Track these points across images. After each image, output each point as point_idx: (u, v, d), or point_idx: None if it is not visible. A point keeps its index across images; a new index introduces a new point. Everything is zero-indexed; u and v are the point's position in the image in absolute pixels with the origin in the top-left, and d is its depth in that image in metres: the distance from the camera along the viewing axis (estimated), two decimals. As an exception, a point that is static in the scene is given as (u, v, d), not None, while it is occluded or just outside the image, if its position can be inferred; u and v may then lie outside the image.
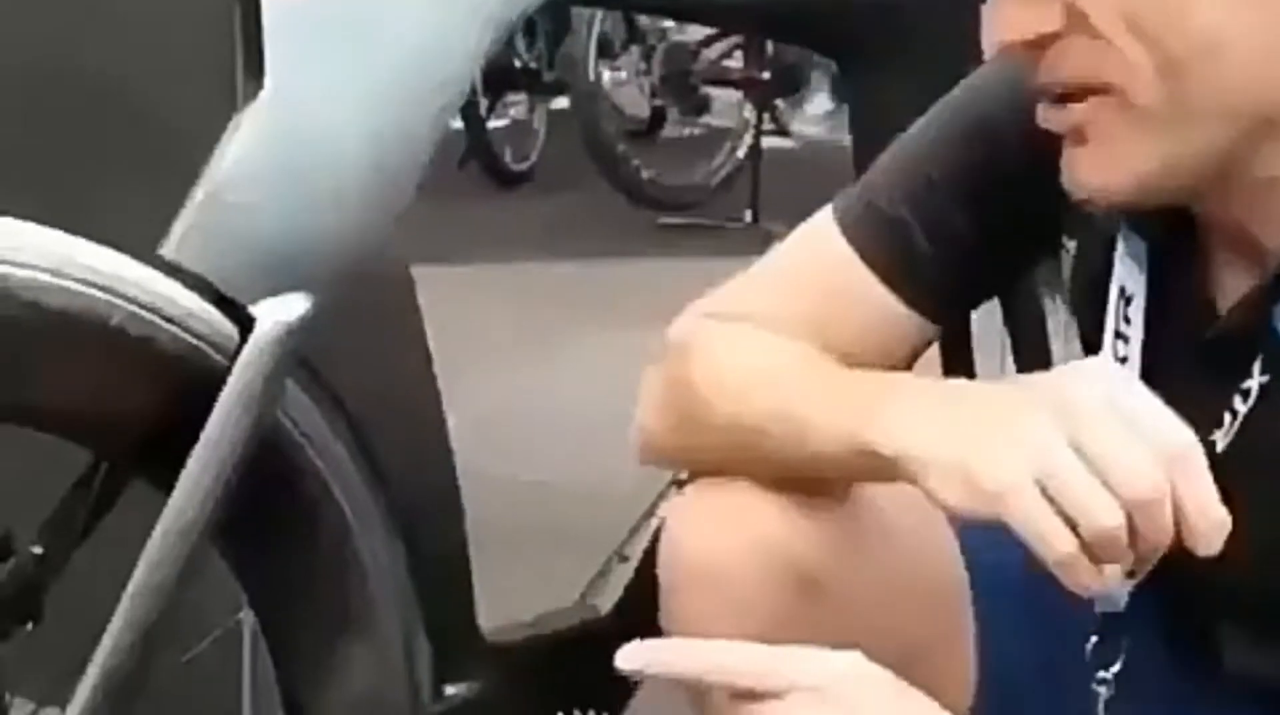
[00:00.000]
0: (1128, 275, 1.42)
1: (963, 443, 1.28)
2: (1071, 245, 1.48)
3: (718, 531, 1.43)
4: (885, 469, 1.34)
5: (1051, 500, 1.22)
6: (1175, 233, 1.40)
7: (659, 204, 6.34)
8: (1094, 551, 1.22)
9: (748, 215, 6.39)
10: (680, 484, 1.78)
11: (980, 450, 1.26)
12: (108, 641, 1.41)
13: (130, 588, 1.42)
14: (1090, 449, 1.23)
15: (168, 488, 1.44)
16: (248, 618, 1.86)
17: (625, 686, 1.79)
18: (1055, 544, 1.22)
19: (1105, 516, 1.22)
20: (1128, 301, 1.41)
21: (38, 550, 1.47)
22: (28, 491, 1.51)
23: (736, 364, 1.45)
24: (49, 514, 1.49)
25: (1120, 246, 1.42)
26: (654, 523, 1.84)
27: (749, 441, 1.42)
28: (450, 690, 1.66)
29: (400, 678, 1.64)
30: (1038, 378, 1.32)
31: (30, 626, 1.50)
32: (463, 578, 1.69)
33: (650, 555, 1.82)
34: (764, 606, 1.42)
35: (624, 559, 1.85)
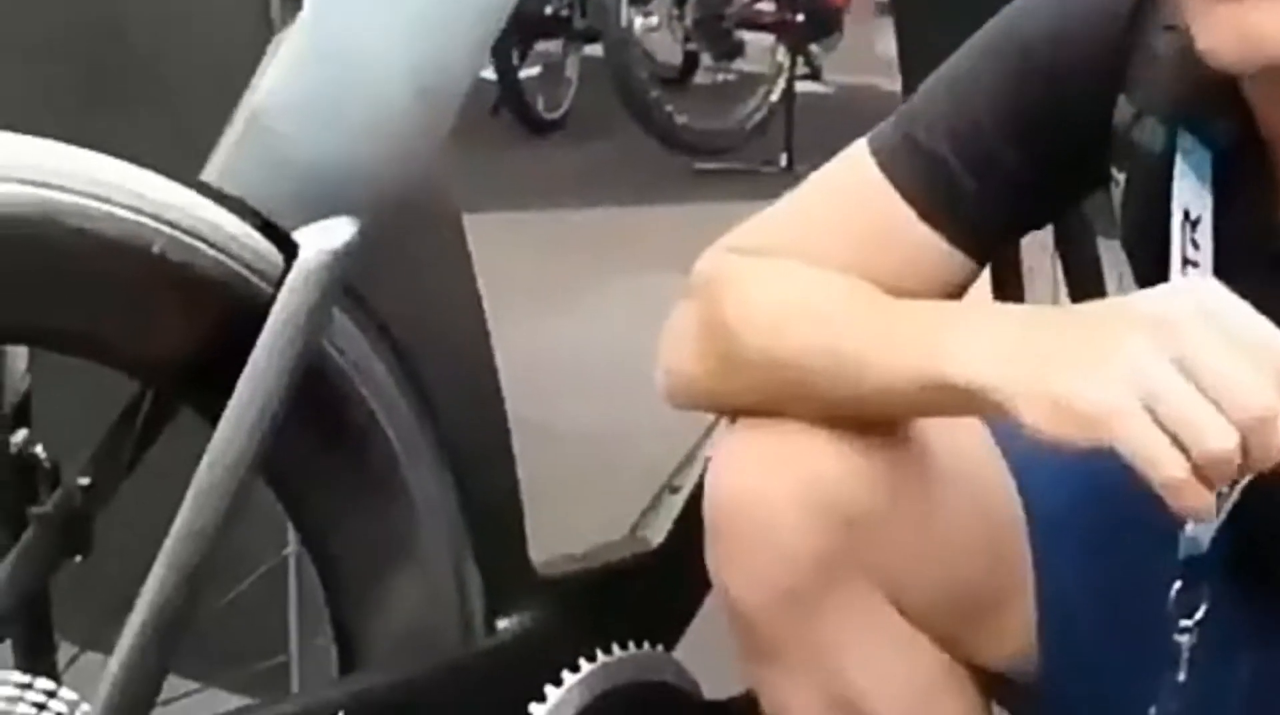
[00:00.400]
0: (1191, 196, 1.37)
1: (1055, 367, 1.24)
2: (1121, 177, 1.43)
3: (762, 473, 1.41)
4: (958, 402, 1.31)
5: (1159, 423, 1.19)
6: (1241, 148, 1.36)
7: (692, 150, 6.30)
8: (1202, 475, 1.19)
9: (782, 160, 6.35)
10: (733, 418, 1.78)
11: (1077, 374, 1.23)
12: (155, 575, 1.38)
13: (178, 520, 1.39)
14: (1197, 368, 1.19)
15: (215, 418, 1.42)
16: (294, 553, 1.84)
17: (679, 619, 1.77)
18: (1167, 468, 1.19)
19: (1220, 439, 1.18)
20: (1193, 225, 1.37)
21: (85, 481, 1.45)
22: (75, 423, 1.49)
23: (776, 299, 1.41)
24: (96, 445, 1.47)
25: (1179, 166, 1.38)
26: (704, 454, 1.81)
27: (792, 380, 1.38)
28: (502, 624, 1.64)
29: (451, 609, 1.61)
30: (1124, 298, 1.29)
31: (78, 559, 1.49)
32: (513, 510, 1.66)
33: (701, 487, 1.82)
34: (812, 549, 1.40)
35: (674, 490, 1.82)
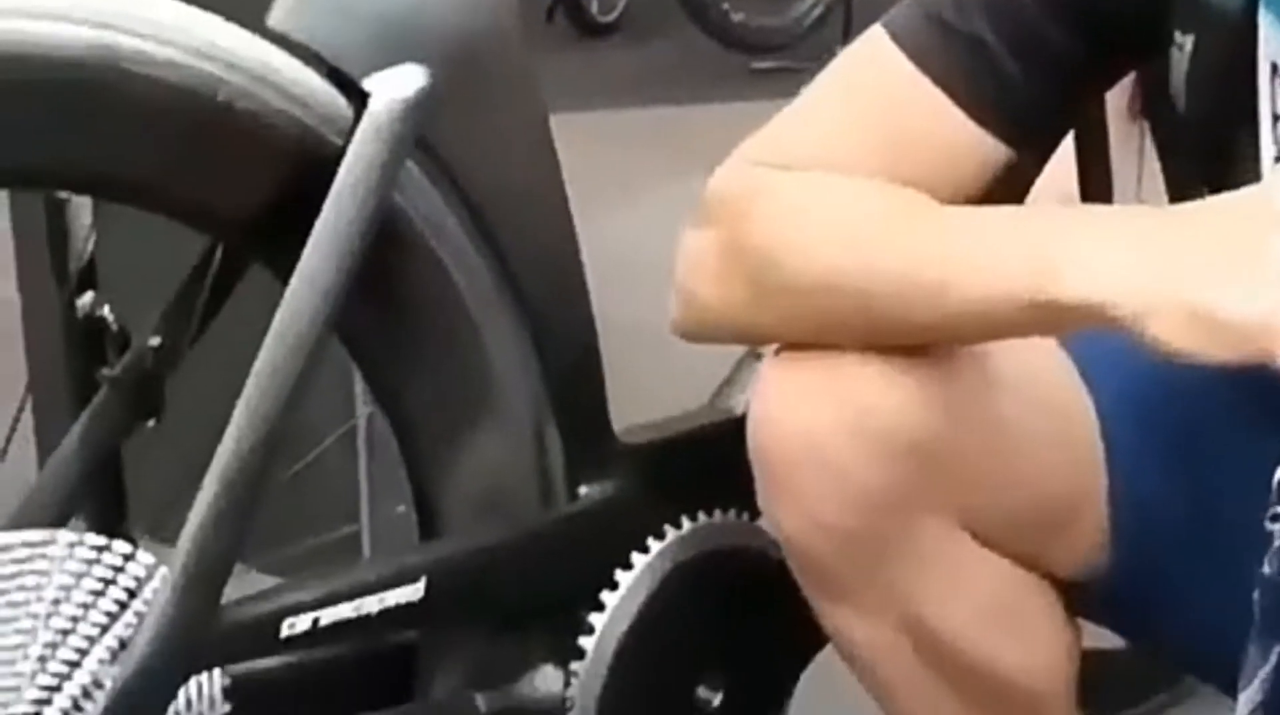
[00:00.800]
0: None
1: (1189, 275, 1.14)
2: (1187, 41, 1.32)
3: (812, 407, 1.33)
4: (1067, 320, 1.21)
5: None
6: None
7: (749, 47, 6.21)
8: None
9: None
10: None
11: (1218, 281, 1.13)
12: (230, 438, 1.34)
13: (250, 381, 1.34)
14: None
15: (287, 275, 1.37)
16: (363, 420, 1.79)
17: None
18: None
19: None
20: None
21: (155, 342, 1.41)
22: (143, 285, 1.45)
23: (819, 216, 1.30)
24: (165, 305, 1.43)
25: (1264, 16, 1.28)
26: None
27: (843, 308, 1.28)
28: (584, 490, 1.59)
29: (532, 475, 1.56)
30: (1252, 191, 1.19)
31: (150, 423, 1.44)
32: (594, 375, 1.60)
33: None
34: (871, 479, 1.32)
35: (757, 356, 1.77)
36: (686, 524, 1.63)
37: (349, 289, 1.37)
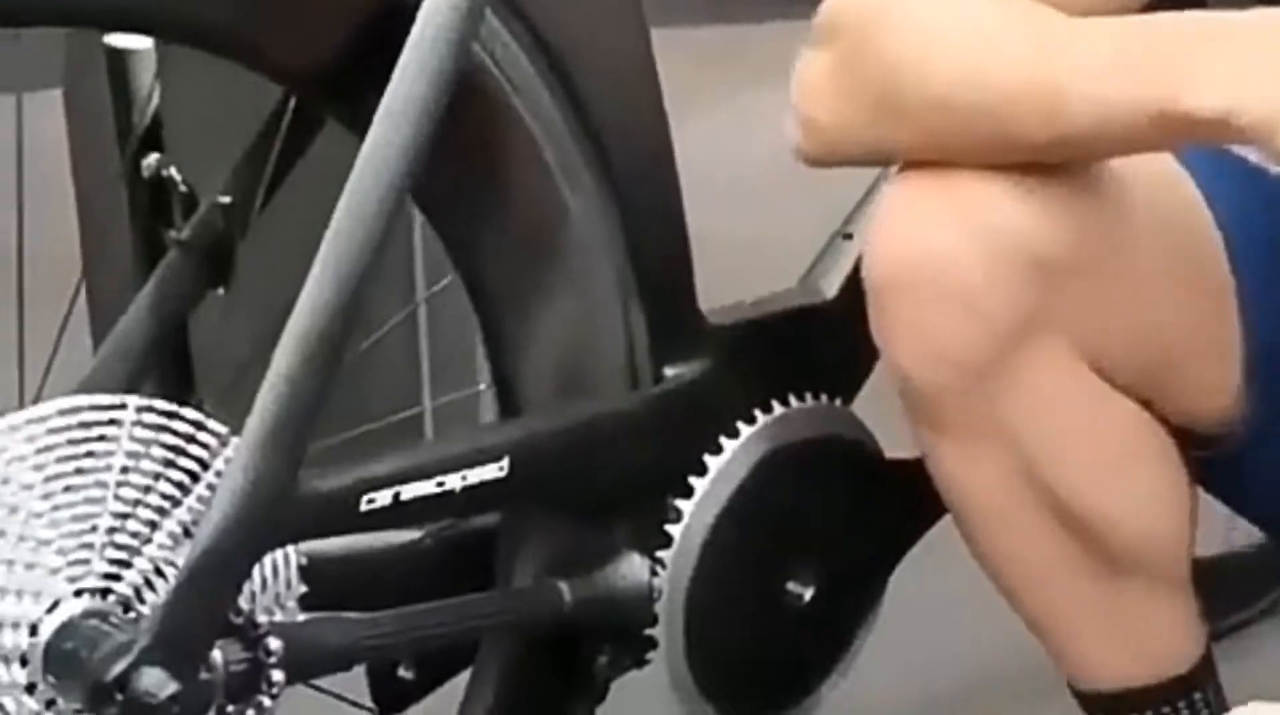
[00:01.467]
0: None
1: None
2: None
3: (934, 225, 1.28)
4: (1198, 133, 1.17)
5: None
6: None
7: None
8: None
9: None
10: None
11: None
12: (305, 305, 1.26)
13: (327, 244, 1.27)
14: None
15: (362, 132, 1.29)
16: (423, 304, 1.71)
17: (856, 373, 1.64)
18: None
19: None
20: None
21: (226, 200, 1.33)
22: (210, 146, 1.37)
23: (946, 29, 1.26)
24: (235, 163, 1.35)
25: None
26: (875, 199, 1.68)
27: (971, 122, 1.24)
28: (670, 371, 1.51)
29: (617, 353, 1.49)
30: None
31: (220, 291, 1.37)
32: (680, 251, 1.52)
33: None
34: (995, 300, 1.27)
35: (847, 237, 1.69)
36: (777, 408, 1.56)
37: (428, 147, 1.29)
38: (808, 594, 1.59)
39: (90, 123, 1.54)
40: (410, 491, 1.30)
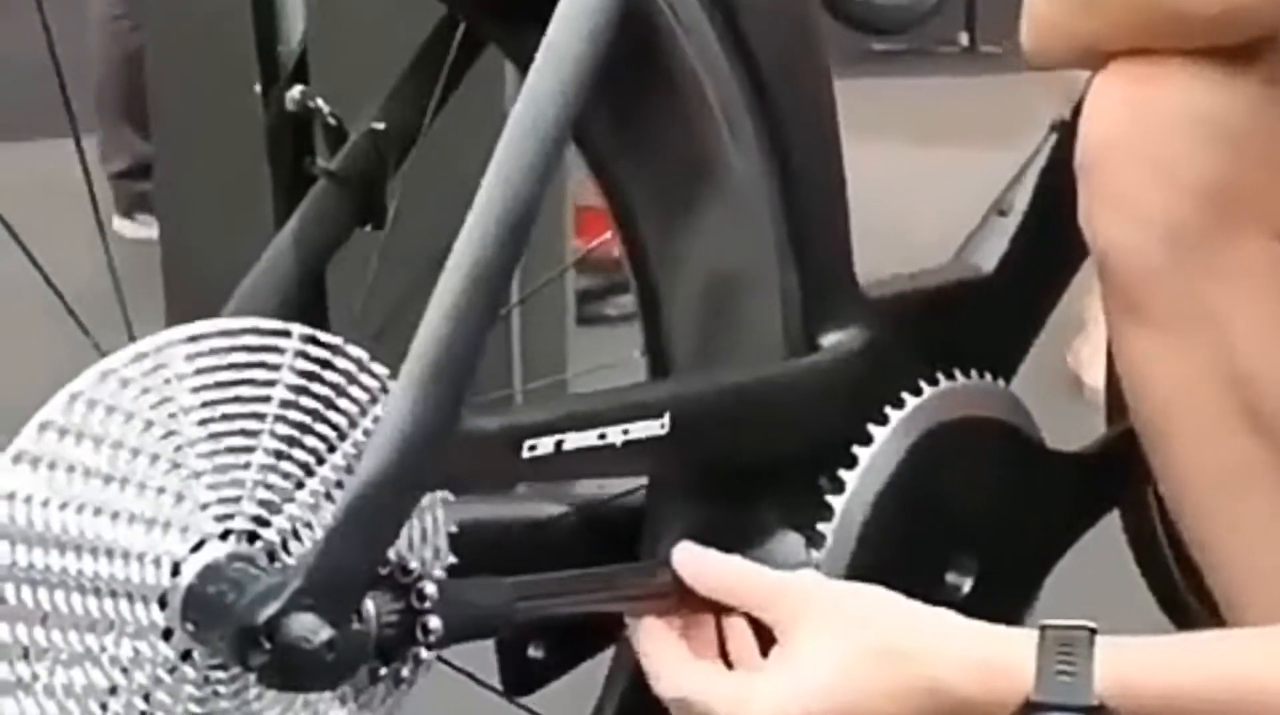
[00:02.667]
0: None
1: None
2: None
3: (1142, 102, 1.33)
4: None
5: None
6: None
7: (870, 26, 6.06)
8: None
9: (963, 39, 6.12)
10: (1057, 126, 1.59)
11: None
12: (465, 242, 1.17)
13: (490, 174, 1.18)
14: None
15: (526, 63, 1.22)
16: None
17: (1015, 349, 1.56)
18: None
19: None
20: None
21: (380, 125, 1.25)
22: (358, 78, 1.28)
23: None
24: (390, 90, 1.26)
25: None
26: (1034, 173, 1.60)
27: (1158, 9, 1.31)
28: (826, 340, 1.43)
29: (773, 318, 1.40)
30: None
31: (369, 229, 1.28)
32: (840, 216, 1.43)
33: (1036, 208, 1.62)
34: (1199, 171, 1.32)
35: (1003, 213, 1.61)
36: (942, 381, 1.47)
37: (591, 83, 1.21)
38: (966, 585, 1.50)
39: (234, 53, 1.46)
40: (572, 442, 1.21)
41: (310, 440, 1.14)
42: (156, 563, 1.09)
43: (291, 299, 1.24)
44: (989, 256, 1.58)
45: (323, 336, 1.13)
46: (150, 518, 1.08)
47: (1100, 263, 1.39)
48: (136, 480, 1.08)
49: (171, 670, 1.11)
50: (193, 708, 1.12)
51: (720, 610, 1.29)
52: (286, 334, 1.12)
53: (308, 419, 1.13)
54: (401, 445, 1.11)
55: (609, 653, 1.39)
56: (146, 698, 1.10)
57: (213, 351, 1.09)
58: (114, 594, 1.08)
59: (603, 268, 3.46)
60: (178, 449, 1.08)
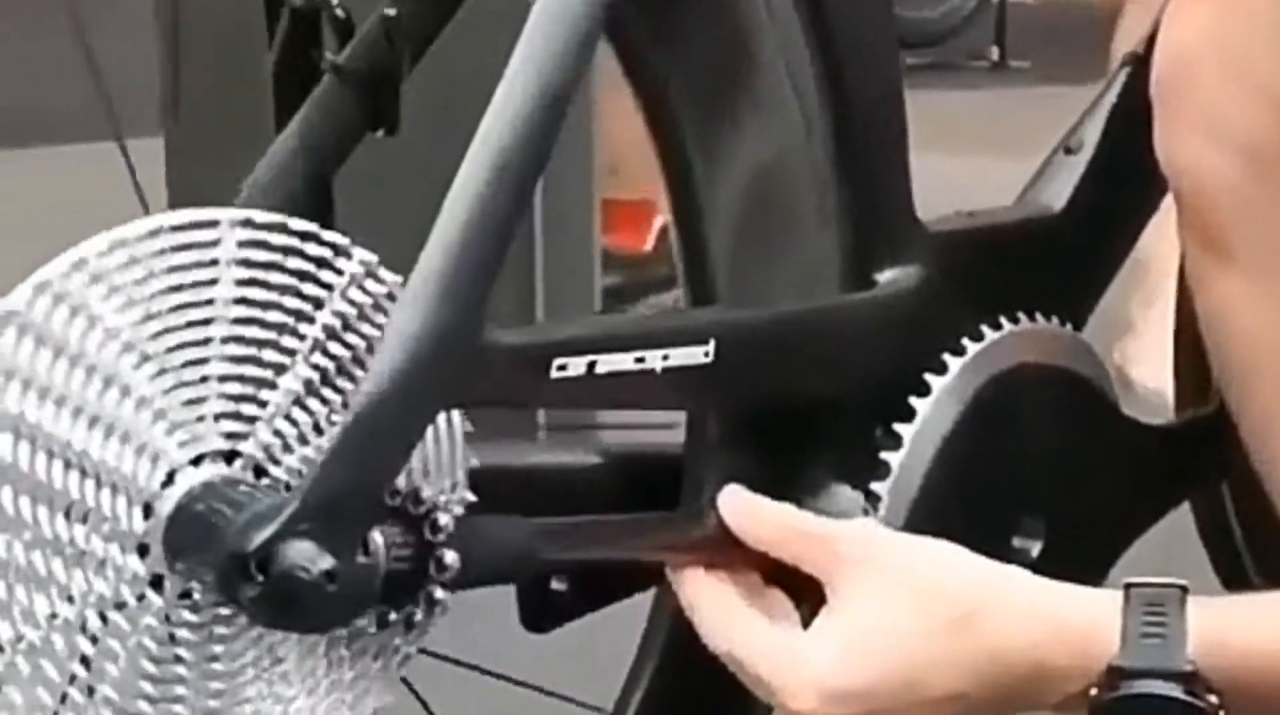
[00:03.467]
0: None
1: None
2: None
3: (1221, 13, 1.23)
4: None
5: None
6: None
7: (900, 41, 5.94)
8: None
9: (993, 53, 6.02)
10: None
11: None
12: (482, 141, 1.05)
13: (513, 66, 1.05)
14: None
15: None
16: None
17: (1087, 293, 1.43)
18: None
19: None
20: None
21: (391, 11, 1.12)
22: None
23: None
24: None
25: None
26: (1104, 109, 1.48)
27: None
28: (883, 276, 1.30)
29: (827, 248, 1.28)
30: None
31: (380, 134, 1.16)
32: (898, 141, 1.31)
33: (1107, 144, 1.49)
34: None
35: (1070, 151, 1.49)
36: (1007, 326, 1.34)
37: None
38: (1035, 549, 1.37)
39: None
40: (607, 364, 1.08)
41: (278, 337, 1.01)
42: (125, 510, 0.97)
43: (295, 209, 1.10)
44: (1057, 195, 1.44)
45: (325, 233, 1.00)
46: (101, 463, 0.96)
47: (1177, 193, 1.28)
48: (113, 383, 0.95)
49: (140, 597, 0.98)
50: (145, 664, 0.99)
51: (765, 564, 1.17)
52: (283, 229, 1.00)
53: (263, 312, 1.00)
54: (415, 354, 0.98)
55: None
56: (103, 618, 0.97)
57: (142, 257, 0.96)
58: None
59: (632, 264, 3.35)
60: (121, 378, 0.96)
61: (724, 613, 1.11)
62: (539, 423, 2.38)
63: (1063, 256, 1.43)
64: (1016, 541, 1.37)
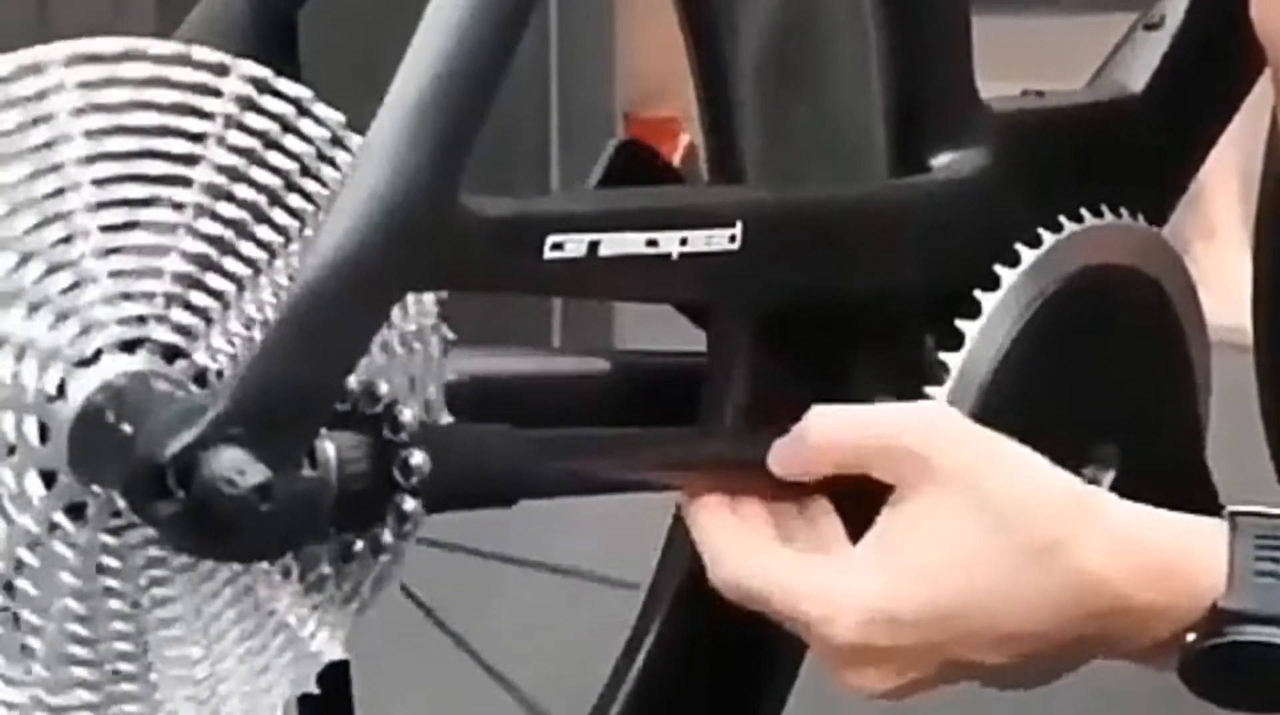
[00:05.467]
0: None
1: None
2: None
3: None
4: None
5: None
6: None
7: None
8: None
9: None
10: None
11: None
12: None
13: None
14: None
15: None
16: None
17: (1170, 185, 1.26)
18: None
19: None
20: None
21: None
22: None
23: None
24: None
25: None
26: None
27: None
28: (938, 160, 1.13)
29: (873, 121, 1.10)
30: None
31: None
32: (958, 12, 1.16)
33: (1194, 18, 1.31)
34: None
35: (1151, 26, 1.31)
36: (1077, 222, 1.17)
37: None
38: (1106, 481, 1.21)
39: None
40: (612, 245, 0.90)
41: (261, 228, 0.83)
42: (33, 385, 0.79)
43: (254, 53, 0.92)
44: (1137, 75, 1.27)
45: (276, 81, 0.82)
46: (9, 334, 0.78)
47: (1274, 66, 1.12)
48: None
49: (53, 528, 0.80)
50: (71, 603, 0.82)
51: (795, 493, 0.99)
52: (224, 71, 0.82)
53: (254, 194, 0.82)
54: (372, 219, 0.80)
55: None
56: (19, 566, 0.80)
57: (125, 82, 0.79)
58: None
59: (657, 185, 3.19)
60: (64, 219, 0.78)
61: (739, 540, 0.93)
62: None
63: (1144, 142, 1.27)
64: (1089, 471, 1.21)
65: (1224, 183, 2.58)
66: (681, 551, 1.05)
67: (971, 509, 0.91)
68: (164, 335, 0.82)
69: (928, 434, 0.93)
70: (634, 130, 2.91)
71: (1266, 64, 1.23)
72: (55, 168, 0.80)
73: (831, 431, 0.94)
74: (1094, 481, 1.23)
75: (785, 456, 0.96)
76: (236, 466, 0.77)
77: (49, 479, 0.81)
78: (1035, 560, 0.92)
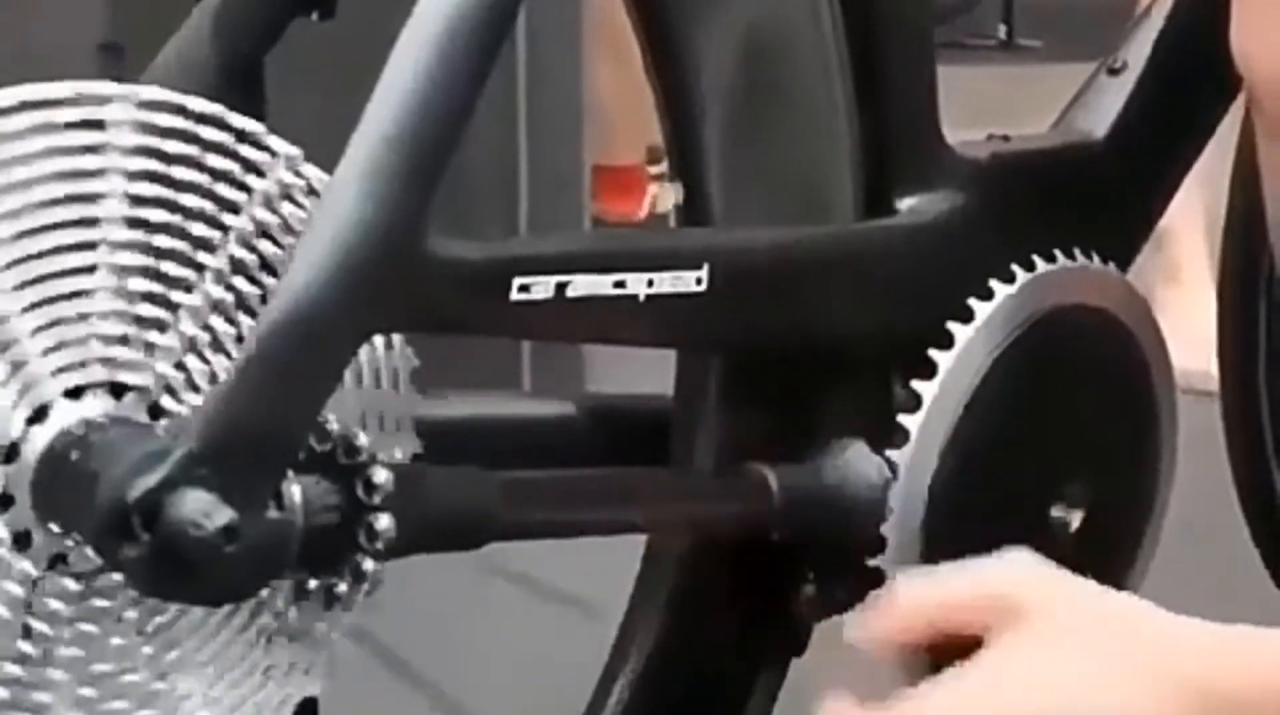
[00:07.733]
0: None
1: None
2: None
3: None
4: None
5: None
6: None
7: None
8: None
9: (1001, 31, 5.86)
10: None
11: None
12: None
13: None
14: None
15: None
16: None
17: (1132, 230, 1.26)
18: None
19: None
20: None
21: None
22: None
23: None
24: None
25: None
26: (1152, 25, 1.31)
27: None
28: (904, 203, 1.13)
29: (840, 169, 1.10)
30: None
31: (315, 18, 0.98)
32: (926, 59, 1.16)
33: (1157, 62, 1.32)
34: None
35: (1114, 72, 1.31)
36: (1041, 265, 1.17)
37: None
38: (1075, 521, 1.20)
39: None
40: (580, 287, 0.90)
41: (181, 244, 0.82)
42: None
43: (217, 94, 0.92)
44: (1100, 120, 1.28)
45: (231, 117, 0.82)
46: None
47: (1253, 95, 1.12)
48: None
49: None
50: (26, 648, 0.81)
51: None
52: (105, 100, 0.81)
53: (166, 214, 0.82)
54: (339, 260, 0.80)
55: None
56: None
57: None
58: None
59: (624, 231, 3.19)
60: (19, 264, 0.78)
61: None
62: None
63: (1107, 187, 1.26)
64: (1056, 512, 1.21)
65: (1189, 224, 2.56)
66: (659, 569, 1.06)
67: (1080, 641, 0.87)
68: (103, 375, 0.82)
69: (1042, 591, 0.90)
70: (599, 178, 2.92)
71: (1229, 107, 1.25)
72: (86, 198, 0.80)
73: (919, 591, 0.93)
74: (1064, 522, 1.25)
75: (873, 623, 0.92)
76: (202, 509, 0.77)
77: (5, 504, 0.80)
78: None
